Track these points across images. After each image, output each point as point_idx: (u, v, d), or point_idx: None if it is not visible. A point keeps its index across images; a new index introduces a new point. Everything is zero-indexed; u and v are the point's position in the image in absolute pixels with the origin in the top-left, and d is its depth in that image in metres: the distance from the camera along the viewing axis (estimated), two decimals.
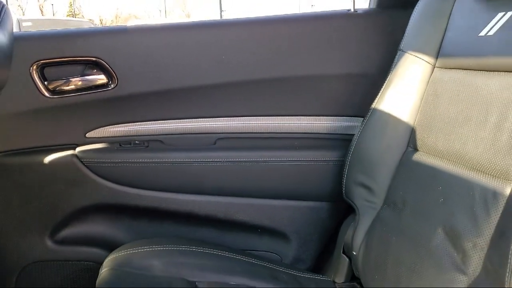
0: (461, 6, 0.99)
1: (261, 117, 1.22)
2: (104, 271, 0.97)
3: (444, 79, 0.99)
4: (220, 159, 1.19)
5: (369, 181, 1.08)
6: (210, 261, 1.06)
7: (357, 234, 1.08)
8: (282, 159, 1.20)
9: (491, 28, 0.89)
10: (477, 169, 0.82)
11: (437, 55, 1.03)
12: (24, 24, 9.71)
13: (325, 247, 1.24)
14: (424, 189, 0.94)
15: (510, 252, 0.67)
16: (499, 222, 0.71)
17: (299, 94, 1.22)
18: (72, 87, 1.12)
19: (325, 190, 1.21)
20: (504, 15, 0.87)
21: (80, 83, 1.13)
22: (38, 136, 1.14)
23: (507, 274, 0.67)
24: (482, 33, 0.90)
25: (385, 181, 1.05)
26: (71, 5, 37.15)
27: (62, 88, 1.12)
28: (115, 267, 0.97)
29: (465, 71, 0.94)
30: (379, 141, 1.08)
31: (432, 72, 1.03)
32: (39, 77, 1.09)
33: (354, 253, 1.07)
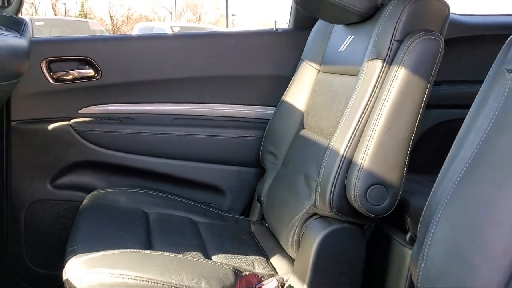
0: (335, 31, 1.45)
1: (206, 104, 1.68)
2: (85, 201, 1.42)
3: (321, 80, 1.45)
4: (175, 133, 1.65)
5: (275, 150, 1.54)
6: (160, 200, 1.51)
7: (264, 186, 1.54)
8: (220, 135, 1.66)
9: (344, 46, 1.35)
10: (324, 137, 1.28)
11: (321, 63, 1.48)
12: (36, 23, 10.09)
13: (250, 199, 1.69)
14: (299, 152, 1.41)
15: (320, 179, 1.12)
16: (326, 166, 1.15)
17: (234, 88, 1.68)
18: (69, 77, 1.58)
19: (250, 158, 1.66)
20: (350, 37, 1.33)
21: (75, 74, 1.59)
22: (44, 110, 1.58)
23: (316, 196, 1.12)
24: (340, 49, 1.37)
25: (284, 149, 1.51)
26: (82, 5, 37.34)
27: (63, 77, 1.58)
28: (93, 199, 1.42)
29: (331, 74, 1.40)
30: (283, 123, 1.54)
31: (317, 75, 1.49)
32: (47, 69, 1.55)
33: (262, 199, 1.53)
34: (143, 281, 0.97)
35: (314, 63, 1.50)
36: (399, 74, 1.03)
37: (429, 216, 0.75)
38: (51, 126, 1.57)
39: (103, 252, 1.04)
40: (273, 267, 1.27)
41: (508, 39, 0.72)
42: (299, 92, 1.51)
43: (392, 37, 1.07)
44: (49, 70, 1.55)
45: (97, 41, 1.63)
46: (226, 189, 1.69)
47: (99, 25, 11.65)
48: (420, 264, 0.74)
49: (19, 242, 1.58)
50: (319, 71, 1.48)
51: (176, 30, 11.74)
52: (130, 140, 1.62)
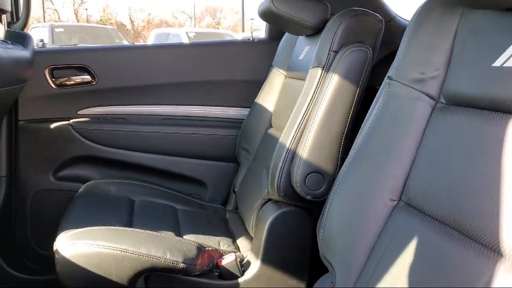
0: (298, 41, 1.64)
1: (189, 106, 1.89)
2: (80, 190, 1.63)
3: (286, 84, 1.65)
4: (162, 131, 1.86)
5: (248, 146, 1.74)
6: (147, 190, 1.71)
7: (238, 179, 1.73)
8: (201, 133, 1.86)
9: (303, 55, 1.54)
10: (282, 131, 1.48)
11: (287, 70, 1.68)
12: (56, 30, 10.45)
13: (229, 191, 1.89)
14: (266, 148, 1.60)
15: (271, 168, 1.32)
16: (275, 157, 1.35)
17: (214, 92, 1.89)
18: (69, 82, 1.81)
19: (228, 154, 1.86)
20: (307, 47, 1.52)
21: (75, 80, 1.82)
22: (47, 111, 1.80)
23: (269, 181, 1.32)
24: (300, 57, 1.56)
25: (255, 146, 1.71)
26: (104, 10, 37.93)
27: (64, 83, 1.80)
28: (87, 188, 1.63)
29: (293, 79, 1.59)
30: (255, 122, 1.74)
31: (284, 80, 1.68)
32: (50, 76, 1.78)
33: (236, 190, 1.73)
34: (116, 250, 1.18)
35: (282, 69, 1.70)
36: (333, 80, 1.23)
37: (330, 193, 0.95)
38: (54, 125, 1.79)
39: (86, 228, 1.25)
40: (237, 246, 1.47)
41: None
42: (269, 95, 1.71)
43: (330, 48, 1.27)
44: (52, 76, 1.78)
45: (94, 51, 1.86)
46: (207, 182, 1.89)
47: (116, 31, 11.96)
48: (320, 231, 0.94)
49: (26, 227, 1.81)
50: (286, 77, 1.68)
51: (191, 36, 11.95)
52: (122, 138, 1.83)
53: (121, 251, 1.18)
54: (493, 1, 0.66)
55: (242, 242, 1.49)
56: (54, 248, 1.21)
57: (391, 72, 0.90)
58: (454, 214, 0.67)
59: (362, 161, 0.89)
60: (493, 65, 0.67)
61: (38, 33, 10.62)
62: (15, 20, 1.67)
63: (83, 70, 1.81)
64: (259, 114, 1.72)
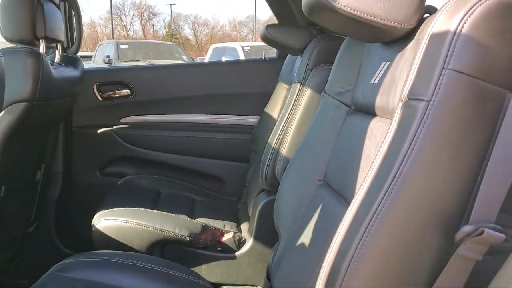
0: (297, 60, 1.94)
1: (210, 115, 2.23)
2: (119, 183, 2.02)
3: (286, 95, 1.95)
4: (187, 136, 2.22)
5: (256, 148, 2.05)
6: (174, 184, 2.07)
7: (248, 176, 2.05)
8: (219, 137, 2.20)
9: (295, 71, 1.84)
10: None
11: (288, 83, 1.98)
12: (121, 46, 11.26)
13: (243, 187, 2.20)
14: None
15: (261, 163, 1.63)
16: (264, 154, 1.66)
17: (231, 103, 2.23)
18: (113, 95, 2.21)
19: (241, 155, 2.19)
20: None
21: (117, 93, 2.21)
22: (95, 119, 2.21)
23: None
24: (295, 74, 1.86)
25: (262, 147, 2.02)
26: (170, 26, 39.56)
27: (108, 96, 2.21)
28: (124, 182, 2.02)
29: (290, 91, 1.89)
30: (263, 128, 2.05)
31: (286, 92, 1.99)
32: (97, 90, 2.19)
33: (246, 185, 2.05)
34: (137, 225, 1.53)
35: (285, 83, 2.00)
36: (307, 92, 1.53)
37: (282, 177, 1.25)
38: (100, 131, 2.20)
39: (117, 208, 1.62)
40: (240, 229, 1.78)
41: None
42: (274, 105, 2.02)
43: (306, 67, 1.57)
44: (99, 91, 2.19)
45: (132, 70, 2.26)
46: (225, 179, 2.23)
47: (177, 47, 12.64)
48: (274, 206, 1.24)
49: (77, 212, 2.22)
50: (288, 89, 1.98)
51: (247, 49, 12.35)
52: (155, 141, 2.21)
53: (140, 225, 1.53)
54: (378, 38, 0.94)
55: (244, 225, 1.80)
56: (91, 223, 1.59)
57: (326, 87, 1.20)
58: (342, 186, 0.95)
59: (302, 152, 1.19)
60: (371, 82, 0.95)
61: (105, 50, 11.46)
62: (69, 46, 2.09)
63: (124, 85, 2.20)
64: (266, 121, 2.03)
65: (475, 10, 0.66)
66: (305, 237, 1.00)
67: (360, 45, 1.08)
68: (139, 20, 39.60)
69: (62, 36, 1.73)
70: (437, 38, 0.68)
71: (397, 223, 0.67)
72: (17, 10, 1.52)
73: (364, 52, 1.05)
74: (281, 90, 2.02)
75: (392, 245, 0.67)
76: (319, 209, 1.00)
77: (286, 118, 1.58)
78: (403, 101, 0.72)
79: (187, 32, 40.25)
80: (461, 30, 0.65)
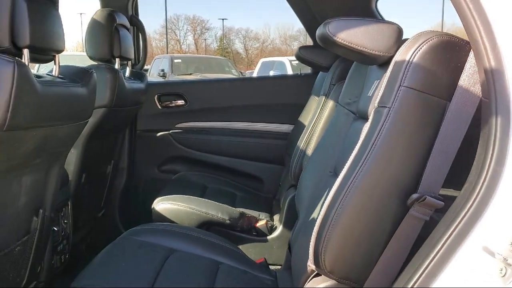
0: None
1: (252, 122, 2.58)
2: (173, 177, 2.40)
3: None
4: (232, 140, 2.57)
5: (290, 150, 2.38)
6: (219, 181, 2.43)
7: (283, 174, 2.38)
8: (260, 142, 2.55)
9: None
10: None
11: (318, 96, 2.30)
12: (175, 61, 11.84)
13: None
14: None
15: (291, 162, 1.95)
16: (293, 153, 1.98)
17: (269, 112, 2.57)
18: (170, 104, 2.60)
19: (278, 158, 2.52)
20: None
21: (174, 103, 2.60)
22: (155, 124, 2.60)
23: None
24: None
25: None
26: (221, 40, 40.52)
27: (167, 105, 2.60)
28: (177, 177, 2.40)
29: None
30: (296, 135, 2.37)
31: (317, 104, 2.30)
32: (157, 100, 2.58)
33: (280, 184, 2.37)
34: (187, 208, 1.88)
35: (316, 96, 2.32)
36: (330, 103, 1.84)
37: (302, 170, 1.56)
38: (159, 134, 2.59)
39: (172, 195, 1.98)
40: (272, 218, 2.11)
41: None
42: (307, 115, 2.34)
43: (330, 82, 1.89)
44: (159, 100, 2.59)
45: (186, 83, 2.65)
46: (264, 178, 2.56)
47: (227, 61, 13.16)
48: (295, 191, 1.55)
49: (139, 202, 2.60)
50: (318, 101, 2.30)
51: (294, 64, 12.64)
52: (204, 144, 2.58)
53: (190, 209, 1.88)
54: (370, 62, 1.24)
55: (276, 216, 2.12)
56: (152, 206, 1.95)
57: (339, 99, 1.51)
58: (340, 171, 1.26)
59: (318, 150, 1.50)
60: (368, 95, 1.26)
61: (160, 64, 12.09)
62: (137, 62, 2.50)
63: (180, 96, 2.59)
64: (298, 129, 2.35)
65: (424, 45, 0.95)
66: (315, 213, 1.31)
67: (364, 66, 1.39)
68: (192, 35, 40.73)
69: (132, 55, 2.13)
70: (398, 64, 0.99)
71: (366, 191, 0.98)
72: (99, 35, 1.93)
73: (367, 72, 1.36)
74: (313, 102, 2.34)
75: (362, 205, 0.98)
76: (326, 192, 1.31)
77: (313, 125, 1.90)
78: (375, 108, 1.03)
79: (238, 46, 41.06)
80: (413, 59, 0.96)
